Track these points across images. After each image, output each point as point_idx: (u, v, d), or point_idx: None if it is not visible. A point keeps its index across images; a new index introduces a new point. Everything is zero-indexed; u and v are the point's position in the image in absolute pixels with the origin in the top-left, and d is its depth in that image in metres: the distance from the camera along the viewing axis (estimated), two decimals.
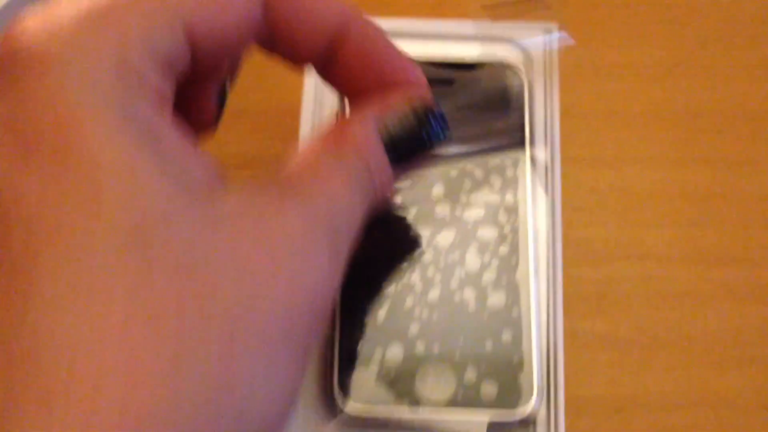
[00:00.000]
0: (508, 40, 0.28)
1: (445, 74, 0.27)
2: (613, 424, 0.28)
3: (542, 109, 0.27)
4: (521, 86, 0.27)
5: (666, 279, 0.30)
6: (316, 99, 0.29)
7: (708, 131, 0.33)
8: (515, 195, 0.26)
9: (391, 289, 0.25)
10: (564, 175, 0.32)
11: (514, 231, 0.26)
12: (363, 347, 0.24)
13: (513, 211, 0.26)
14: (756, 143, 0.33)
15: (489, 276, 0.25)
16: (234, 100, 0.35)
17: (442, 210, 0.26)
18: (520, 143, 0.27)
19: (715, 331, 0.30)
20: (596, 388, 0.29)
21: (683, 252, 0.31)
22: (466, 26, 0.29)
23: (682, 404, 0.29)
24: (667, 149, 0.33)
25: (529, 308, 0.25)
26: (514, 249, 0.25)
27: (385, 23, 0.28)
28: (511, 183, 0.26)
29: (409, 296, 0.25)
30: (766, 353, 0.29)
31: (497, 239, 0.25)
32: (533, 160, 0.27)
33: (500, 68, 0.28)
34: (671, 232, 0.31)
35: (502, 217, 0.26)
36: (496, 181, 0.26)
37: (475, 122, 0.27)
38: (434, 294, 0.25)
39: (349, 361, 0.24)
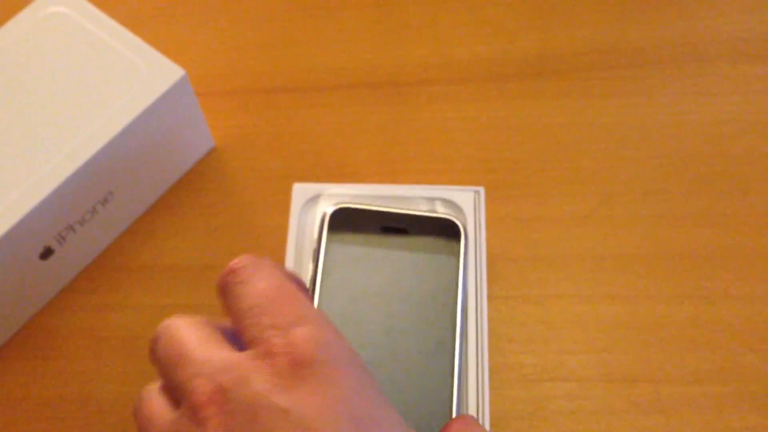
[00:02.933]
0: (446, 200, 0.35)
1: (401, 224, 0.33)
2: None
3: (473, 256, 0.33)
4: (458, 237, 0.33)
5: (585, 396, 0.36)
6: (300, 226, 0.34)
7: (612, 271, 0.40)
8: (446, 332, 0.31)
9: None
10: (496, 311, 0.38)
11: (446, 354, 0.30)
12: None
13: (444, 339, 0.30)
14: (651, 281, 0.40)
15: (424, 396, 0.29)
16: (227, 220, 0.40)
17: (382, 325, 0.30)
18: (454, 283, 0.32)
19: None
20: None
21: (598, 373, 0.37)
22: (415, 189, 0.35)
23: None
24: (581, 287, 0.39)
25: None
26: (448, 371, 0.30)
27: (353, 189, 0.35)
28: (443, 322, 0.31)
29: None
30: None
31: (432, 365, 0.30)
32: (464, 297, 0.32)
33: (442, 221, 0.33)
34: (587, 356, 0.37)
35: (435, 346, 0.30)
36: (431, 319, 0.31)
37: (421, 265, 0.32)
38: None
39: None
